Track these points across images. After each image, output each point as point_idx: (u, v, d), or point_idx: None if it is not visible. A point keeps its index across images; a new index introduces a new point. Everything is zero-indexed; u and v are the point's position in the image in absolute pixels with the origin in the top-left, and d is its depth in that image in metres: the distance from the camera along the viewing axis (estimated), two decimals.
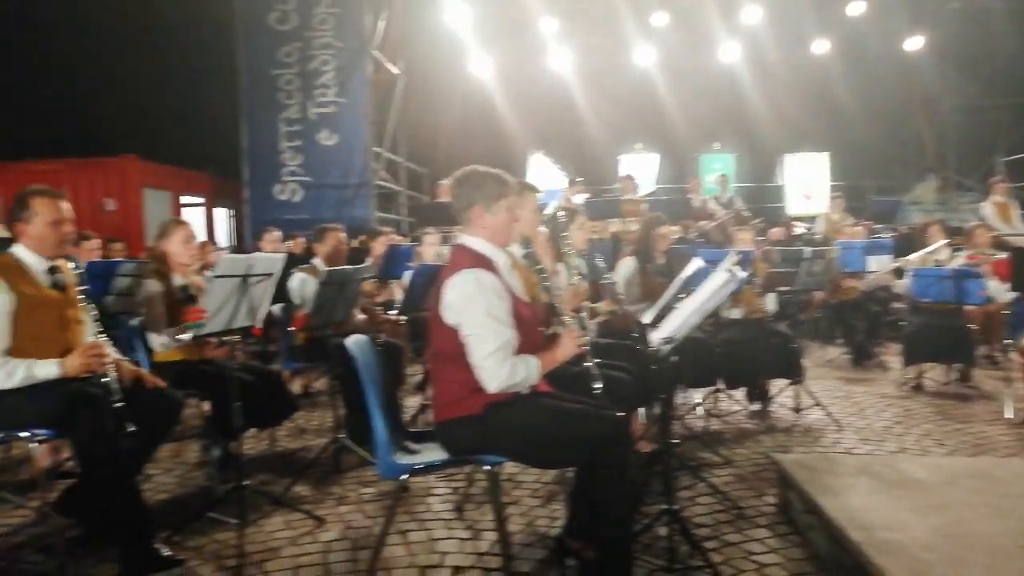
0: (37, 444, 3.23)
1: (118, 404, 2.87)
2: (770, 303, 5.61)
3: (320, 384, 6.48)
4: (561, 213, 3.74)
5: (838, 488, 3.22)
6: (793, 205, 15.14)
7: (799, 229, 11.39)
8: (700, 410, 5.38)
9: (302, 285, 4.96)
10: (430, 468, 2.80)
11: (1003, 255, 6.22)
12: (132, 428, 2.85)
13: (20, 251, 3.17)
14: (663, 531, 3.07)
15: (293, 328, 4.76)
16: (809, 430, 5.02)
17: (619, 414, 2.74)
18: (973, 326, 5.80)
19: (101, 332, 3.18)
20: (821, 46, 15.26)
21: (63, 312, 3.19)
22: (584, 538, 2.81)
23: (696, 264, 3.46)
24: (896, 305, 7.60)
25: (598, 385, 2.93)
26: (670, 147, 16.22)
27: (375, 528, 3.45)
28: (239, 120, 13.49)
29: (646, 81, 15.49)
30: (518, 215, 2.93)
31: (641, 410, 4.42)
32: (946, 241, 6.54)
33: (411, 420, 5.08)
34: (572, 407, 2.76)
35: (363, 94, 13.31)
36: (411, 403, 5.50)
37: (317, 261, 5.20)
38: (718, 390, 5.33)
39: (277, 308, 5.07)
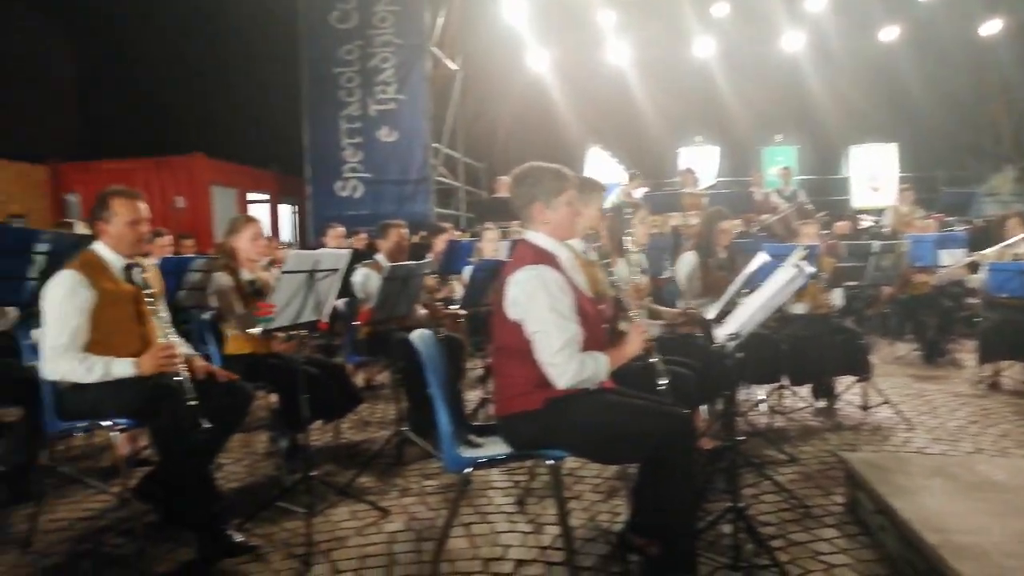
0: (117, 433, 3.37)
1: (191, 402, 2.97)
2: (836, 298, 5.48)
3: (382, 377, 6.59)
4: (627, 209, 3.70)
5: (911, 489, 3.12)
6: (859, 198, 14.73)
7: (866, 222, 11.08)
8: (764, 407, 5.29)
9: (365, 280, 5.05)
10: (493, 462, 2.82)
11: None
12: (206, 425, 2.95)
13: (100, 248, 3.30)
14: (727, 529, 3.04)
15: (357, 323, 4.84)
16: (878, 428, 4.89)
17: (683, 410, 2.72)
18: None
19: (174, 331, 3.30)
20: (890, 32, 14.78)
21: (140, 306, 3.31)
22: (647, 534, 2.79)
23: (761, 259, 3.40)
24: (970, 300, 7.33)
25: (663, 381, 2.91)
26: (730, 140, 15.94)
27: (438, 520, 3.50)
28: (302, 118, 13.77)
29: (706, 73, 15.25)
30: (579, 209, 2.92)
31: (702, 407, 4.37)
32: None
33: (472, 414, 5.13)
34: (636, 403, 2.75)
35: (422, 90, 13.45)
36: (471, 397, 5.54)
37: (380, 257, 5.29)
38: (782, 387, 5.23)
39: (341, 303, 5.17)
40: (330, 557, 3.13)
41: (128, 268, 3.31)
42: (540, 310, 2.60)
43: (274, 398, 4.25)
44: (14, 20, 15.20)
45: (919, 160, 14.98)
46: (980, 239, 7.28)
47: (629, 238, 3.60)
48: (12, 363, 3.96)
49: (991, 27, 13.99)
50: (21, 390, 3.57)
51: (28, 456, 3.81)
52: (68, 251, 3.61)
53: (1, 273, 3.56)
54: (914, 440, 4.63)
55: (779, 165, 12.44)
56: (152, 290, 3.28)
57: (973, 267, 6.40)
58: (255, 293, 4.11)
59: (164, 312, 3.30)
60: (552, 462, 2.74)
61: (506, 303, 2.68)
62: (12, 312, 3.92)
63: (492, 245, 6.63)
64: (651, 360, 2.93)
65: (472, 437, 2.92)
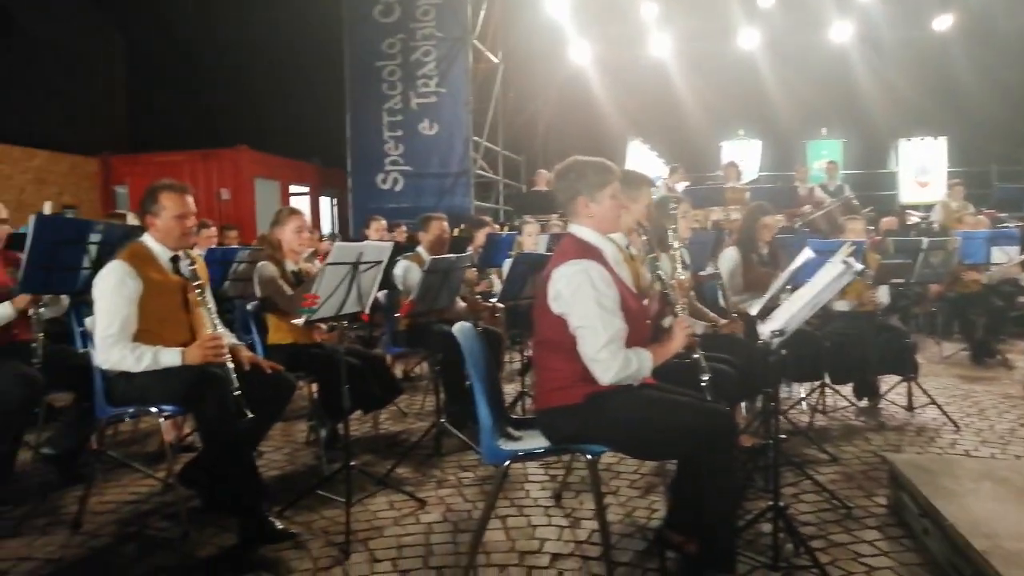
0: (163, 419, 3.46)
1: (236, 392, 3.03)
2: (883, 295, 5.36)
3: (419, 369, 6.64)
4: (672, 206, 3.66)
5: (958, 492, 3.05)
6: (907, 193, 14.40)
7: (914, 218, 10.83)
8: (804, 405, 5.21)
9: (406, 272, 5.09)
10: (532, 455, 2.83)
11: None
12: (250, 415, 3.01)
13: (148, 240, 3.38)
14: (767, 528, 3.00)
15: (398, 314, 4.89)
16: (923, 429, 4.78)
17: (724, 407, 2.69)
18: None
19: (220, 322, 3.36)
20: (943, 22, 14.36)
21: (186, 295, 3.38)
22: (685, 532, 2.78)
23: (806, 255, 3.34)
24: (1022, 300, 7.12)
25: (705, 377, 2.88)
26: (774, 133, 15.70)
27: (474, 512, 3.52)
28: (344, 111, 13.90)
29: (749, 64, 15.01)
30: (624, 202, 2.90)
31: (742, 403, 4.33)
32: None
33: (510, 407, 5.14)
34: (676, 399, 2.72)
35: (463, 84, 13.48)
36: (509, 390, 5.55)
37: (421, 249, 5.32)
38: (824, 385, 5.14)
39: (381, 294, 5.22)
40: (368, 546, 3.17)
41: (175, 259, 3.38)
42: (585, 305, 2.58)
43: (314, 387, 4.33)
44: (68, 17, 15.60)
45: (970, 154, 14.58)
46: None
47: (673, 233, 3.56)
48: (67, 349, 4.10)
49: None
50: (74, 376, 3.67)
51: (79, 440, 3.93)
52: (119, 242, 3.70)
53: (60, 263, 3.66)
54: (961, 442, 4.52)
55: (824, 159, 12.22)
56: (201, 281, 3.35)
57: None
58: (298, 284, 4.18)
59: (211, 303, 3.36)
60: (590, 457, 2.73)
61: (550, 297, 2.67)
62: (65, 299, 4.03)
63: (532, 239, 6.63)
64: (694, 356, 2.90)
65: (511, 430, 2.93)
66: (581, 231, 2.79)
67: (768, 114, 15.41)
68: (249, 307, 4.35)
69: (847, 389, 5.33)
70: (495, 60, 14.76)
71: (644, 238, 3.06)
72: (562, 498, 3.65)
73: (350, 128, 13.90)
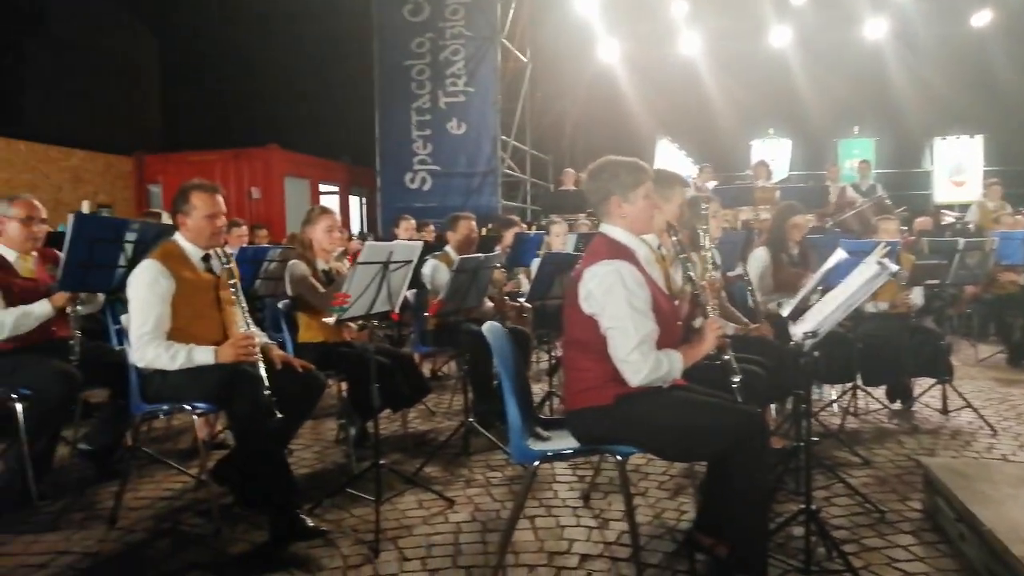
0: (196, 416, 3.50)
1: (266, 392, 3.07)
2: (916, 297, 5.27)
3: (447, 368, 6.66)
4: (704, 206, 3.63)
5: (995, 497, 2.99)
6: (942, 193, 14.15)
7: (948, 218, 10.64)
8: (836, 407, 5.14)
9: (434, 272, 5.11)
10: (561, 456, 2.82)
11: None
12: (280, 415, 3.04)
13: (180, 239, 3.43)
14: (799, 531, 2.97)
15: (427, 314, 4.91)
16: (958, 433, 4.70)
17: (755, 409, 2.67)
18: None
19: (252, 321, 3.40)
20: (982, 18, 14.06)
21: (218, 294, 3.43)
22: (715, 534, 2.76)
23: (839, 255, 3.29)
24: None
25: (736, 378, 2.85)
26: (804, 132, 15.51)
27: (503, 511, 3.52)
28: (374, 110, 13.97)
29: (780, 63, 14.84)
30: (657, 202, 2.88)
31: (772, 405, 4.28)
32: None
33: (538, 407, 5.13)
34: (707, 400, 2.71)
35: (492, 83, 13.50)
36: (536, 390, 5.54)
37: (449, 248, 5.33)
38: (856, 387, 5.07)
39: (410, 293, 5.24)
40: (397, 544, 3.18)
41: (206, 258, 3.43)
42: (617, 306, 2.57)
43: (343, 386, 4.36)
44: (103, 20, 15.89)
45: (1007, 153, 14.29)
46: None
47: (704, 233, 3.53)
48: (102, 346, 4.17)
49: None
50: (110, 373, 3.74)
51: (114, 436, 4.00)
52: (153, 240, 3.76)
53: (98, 261, 3.74)
54: (998, 447, 4.43)
55: (856, 158, 12.06)
56: (236, 280, 3.39)
57: None
58: (329, 283, 4.21)
59: (243, 302, 3.40)
60: (620, 458, 2.72)
61: (580, 297, 2.66)
62: (100, 296, 4.11)
63: (560, 238, 6.62)
64: (724, 357, 2.88)
65: (539, 430, 2.92)
66: (613, 231, 2.77)
67: (799, 112, 15.23)
68: (280, 305, 4.39)
69: (879, 391, 5.25)
70: (523, 59, 14.75)
71: (675, 239, 3.04)
72: (590, 499, 3.64)
73: (379, 127, 13.98)
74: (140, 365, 3.27)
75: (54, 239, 4.22)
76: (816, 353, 2.93)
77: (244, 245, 6.47)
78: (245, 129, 15.56)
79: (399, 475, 3.90)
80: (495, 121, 13.56)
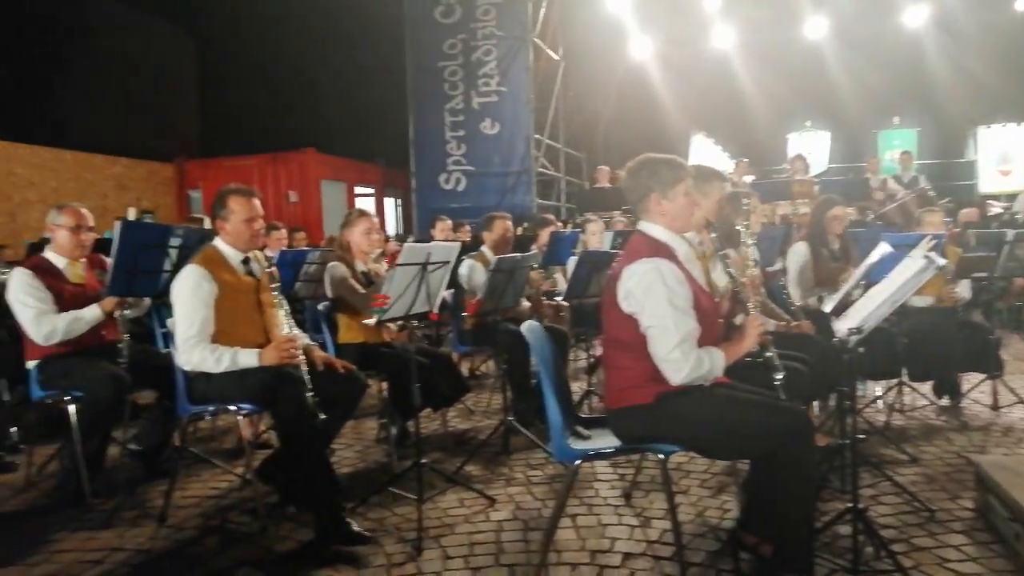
0: (240, 417, 3.57)
1: (310, 393, 3.11)
2: (963, 291, 5.15)
3: (485, 367, 6.68)
4: (744, 201, 3.59)
5: None
6: (987, 183, 13.80)
7: (995, 209, 10.37)
8: (881, 404, 5.05)
9: (470, 272, 5.13)
10: (602, 455, 2.82)
11: None
12: (323, 416, 3.09)
13: (220, 244, 3.49)
14: (845, 530, 2.93)
15: (466, 313, 4.93)
16: (1010, 430, 4.58)
17: (799, 406, 2.63)
18: None
19: (293, 323, 3.46)
20: None
21: (259, 297, 3.48)
22: (760, 533, 2.73)
23: (883, 249, 3.23)
24: None
25: (779, 376, 2.82)
26: (842, 124, 15.21)
27: (544, 510, 3.53)
28: (407, 112, 14.07)
29: (816, 54, 14.56)
30: (697, 199, 2.86)
31: (814, 402, 4.22)
32: None
33: (577, 405, 5.12)
34: (751, 398, 2.68)
35: (524, 82, 13.51)
36: (575, 389, 5.53)
37: (485, 248, 5.35)
38: (902, 383, 4.98)
39: (447, 294, 5.27)
40: (440, 543, 3.20)
41: (246, 261, 3.49)
42: (657, 304, 2.55)
43: (384, 386, 4.40)
44: (143, 28, 16.22)
45: None
46: None
47: (745, 229, 3.49)
48: (149, 349, 4.27)
49: None
50: (157, 375, 3.83)
51: (162, 437, 4.09)
52: (196, 245, 3.83)
53: (144, 267, 3.83)
54: None
55: (896, 149, 11.82)
56: (278, 283, 3.44)
57: None
58: (368, 284, 4.25)
59: (284, 304, 3.45)
60: (662, 457, 2.71)
61: (619, 296, 2.64)
62: (146, 300, 4.20)
63: (596, 236, 6.59)
64: (767, 355, 2.85)
65: (580, 429, 2.92)
66: (652, 229, 2.75)
67: (836, 104, 14.93)
68: (320, 307, 4.45)
69: (926, 387, 5.15)
70: (555, 57, 14.72)
71: (713, 235, 3.01)
72: (632, 497, 3.63)
73: (413, 129, 14.08)
74: (186, 368, 3.34)
75: (101, 245, 4.33)
76: (860, 349, 2.88)
77: (283, 248, 6.57)
78: (282, 133, 15.77)
79: (440, 474, 3.92)
80: (528, 120, 13.56)
